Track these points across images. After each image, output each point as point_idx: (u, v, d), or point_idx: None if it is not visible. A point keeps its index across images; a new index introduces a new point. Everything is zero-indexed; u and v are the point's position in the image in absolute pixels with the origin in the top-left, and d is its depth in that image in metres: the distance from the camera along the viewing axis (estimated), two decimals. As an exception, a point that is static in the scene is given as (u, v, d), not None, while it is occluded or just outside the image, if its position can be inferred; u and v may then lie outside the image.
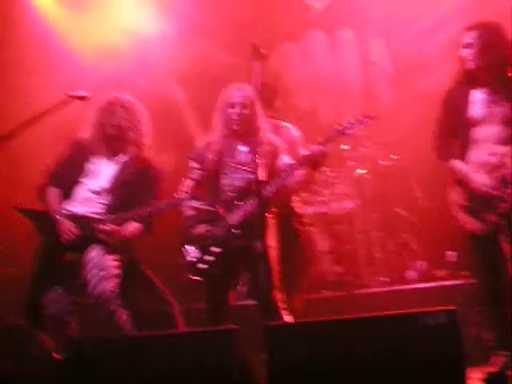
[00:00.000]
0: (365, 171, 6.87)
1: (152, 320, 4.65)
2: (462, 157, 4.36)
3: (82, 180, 4.57)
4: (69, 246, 4.42)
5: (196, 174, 4.60)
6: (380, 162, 6.93)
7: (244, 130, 4.51)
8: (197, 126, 6.87)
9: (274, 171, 4.41)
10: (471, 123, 4.30)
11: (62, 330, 4.37)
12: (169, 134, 6.51)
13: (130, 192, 4.54)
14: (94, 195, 4.51)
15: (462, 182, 4.34)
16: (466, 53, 4.34)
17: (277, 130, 5.08)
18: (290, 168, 4.34)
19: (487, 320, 4.63)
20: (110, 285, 4.32)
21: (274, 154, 4.52)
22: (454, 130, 4.40)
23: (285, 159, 4.55)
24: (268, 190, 4.25)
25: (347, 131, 4.27)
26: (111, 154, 4.64)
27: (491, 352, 4.37)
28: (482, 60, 4.29)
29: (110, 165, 4.62)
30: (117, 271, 4.40)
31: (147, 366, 3.26)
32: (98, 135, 4.62)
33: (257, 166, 4.24)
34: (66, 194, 4.58)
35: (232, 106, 4.51)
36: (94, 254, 4.39)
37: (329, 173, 6.84)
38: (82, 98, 4.54)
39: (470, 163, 4.32)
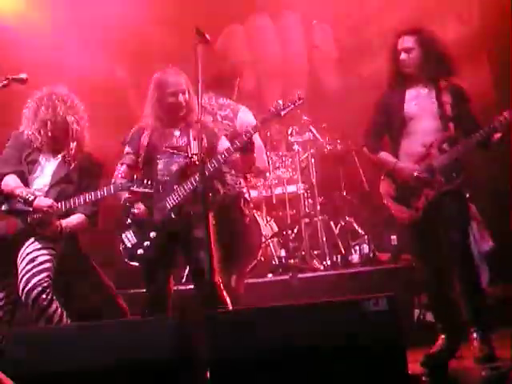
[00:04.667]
0: (308, 155, 6.90)
1: (96, 316, 4.59)
2: (395, 150, 4.54)
3: (28, 177, 4.44)
4: (4, 240, 4.30)
5: (129, 159, 4.55)
6: (325, 146, 6.97)
7: (180, 114, 4.48)
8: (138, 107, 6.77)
9: (213, 155, 4.38)
10: (406, 119, 4.49)
11: None
12: (111, 115, 6.41)
13: (72, 187, 4.45)
14: (39, 193, 4.37)
15: (390, 172, 4.53)
16: (404, 56, 4.49)
17: (234, 113, 5.11)
18: (227, 151, 4.30)
19: (429, 302, 4.76)
20: (43, 279, 4.21)
21: (212, 138, 4.49)
22: (387, 128, 4.59)
23: (224, 143, 4.52)
24: (206, 174, 4.22)
25: (281, 112, 4.27)
26: (53, 150, 4.53)
27: (435, 333, 4.45)
28: (419, 63, 4.46)
29: (53, 161, 4.51)
30: (49, 265, 4.27)
31: (84, 356, 3.21)
32: (39, 132, 4.48)
33: (194, 149, 4.31)
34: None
35: (173, 94, 4.43)
36: (29, 249, 4.27)
37: (274, 157, 6.85)
38: (22, 81, 4.38)
39: (402, 155, 4.50)
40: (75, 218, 4.45)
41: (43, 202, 4.29)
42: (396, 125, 4.53)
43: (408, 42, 4.50)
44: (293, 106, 4.27)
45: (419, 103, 4.48)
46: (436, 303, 4.52)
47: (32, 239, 4.30)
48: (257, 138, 5.15)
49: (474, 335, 4.20)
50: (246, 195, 5.24)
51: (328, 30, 7.64)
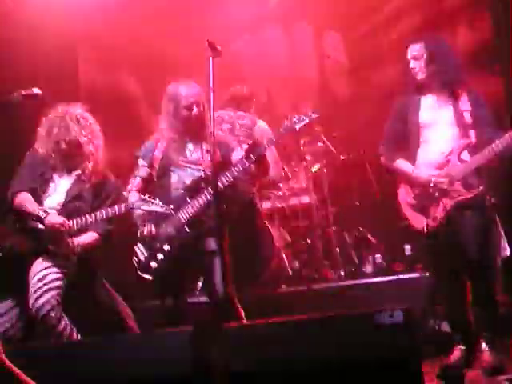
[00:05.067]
0: (320, 166, 6.89)
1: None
2: (412, 158, 4.46)
3: (41, 195, 4.46)
4: (18, 257, 4.31)
5: (143, 172, 4.56)
6: (337, 156, 6.96)
7: (194, 127, 4.48)
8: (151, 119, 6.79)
9: (227, 167, 4.38)
10: (421, 127, 4.43)
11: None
12: (124, 127, 6.43)
13: (85, 206, 4.46)
14: (52, 211, 4.38)
15: (408, 180, 4.45)
16: (414, 64, 4.46)
17: (252, 122, 5.28)
18: (241, 164, 4.30)
19: (445, 312, 4.70)
20: (52, 297, 4.21)
21: (225, 151, 4.49)
22: (403, 136, 4.52)
23: (239, 154, 4.51)
24: (220, 186, 4.22)
25: (296, 126, 4.25)
26: (67, 169, 4.55)
27: (450, 343, 4.42)
28: (430, 69, 4.41)
29: (67, 179, 4.54)
30: (59, 283, 4.28)
31: (98, 368, 3.21)
32: (53, 152, 4.50)
33: (207, 163, 4.30)
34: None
35: (188, 107, 4.44)
36: (39, 267, 4.29)
37: (286, 168, 6.84)
38: (35, 97, 4.37)
39: (419, 164, 4.42)
40: (88, 237, 4.46)
41: (55, 219, 4.30)
42: (412, 133, 4.46)
43: (415, 49, 4.47)
44: (308, 120, 4.25)
45: (435, 111, 4.43)
46: (451, 314, 4.49)
47: (43, 257, 4.32)
48: (272, 149, 5.17)
49: (484, 346, 4.18)
50: (258, 205, 5.25)
51: (339, 40, 7.64)
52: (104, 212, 4.32)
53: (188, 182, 4.43)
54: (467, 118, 4.34)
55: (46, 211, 4.32)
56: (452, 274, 4.34)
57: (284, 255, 6.51)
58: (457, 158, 4.30)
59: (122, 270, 4.99)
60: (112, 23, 6.73)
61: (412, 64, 4.47)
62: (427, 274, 4.97)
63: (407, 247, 6.33)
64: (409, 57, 4.49)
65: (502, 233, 4.38)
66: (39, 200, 4.43)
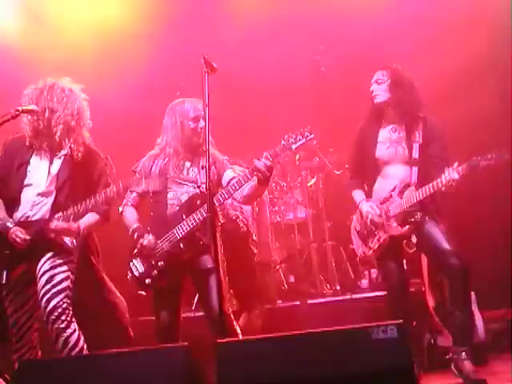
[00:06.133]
0: (316, 180, 6.90)
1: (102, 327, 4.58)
2: (369, 189, 4.82)
3: (26, 183, 4.34)
4: (22, 256, 4.25)
5: (140, 188, 4.53)
6: (333, 171, 6.97)
7: (196, 142, 4.52)
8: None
9: (219, 186, 4.42)
10: (379, 160, 4.72)
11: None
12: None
13: (79, 186, 4.38)
14: (41, 198, 4.32)
15: (358, 210, 4.83)
16: (375, 87, 4.74)
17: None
18: (238, 183, 4.31)
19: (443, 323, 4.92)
20: (62, 299, 4.19)
21: (220, 169, 4.51)
22: (363, 166, 4.83)
23: (230, 174, 4.53)
24: (216, 205, 4.24)
25: (293, 146, 4.26)
26: (53, 148, 4.42)
27: (446, 356, 4.53)
28: (390, 95, 4.68)
29: (53, 161, 4.41)
30: (68, 283, 4.26)
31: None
32: (36, 130, 4.36)
33: (203, 180, 4.38)
34: (13, 201, 4.35)
35: (194, 119, 4.50)
36: (47, 266, 4.24)
37: (282, 182, 6.86)
38: (32, 113, 4.35)
39: (374, 194, 4.77)
40: (90, 218, 4.40)
41: (59, 226, 4.24)
42: (370, 166, 4.76)
43: (379, 75, 4.75)
44: (304, 140, 4.26)
45: (390, 147, 4.68)
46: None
47: (50, 254, 4.27)
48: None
49: (463, 355, 4.29)
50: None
51: (334, 54, 7.65)
52: (103, 194, 4.20)
53: (184, 199, 4.46)
54: (414, 153, 4.60)
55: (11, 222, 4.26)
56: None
57: (280, 270, 6.52)
58: (397, 195, 4.60)
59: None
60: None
61: (373, 87, 4.74)
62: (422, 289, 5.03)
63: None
64: (372, 81, 4.76)
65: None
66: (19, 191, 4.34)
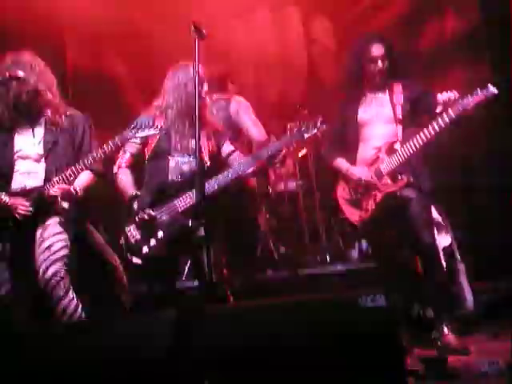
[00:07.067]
0: (307, 151, 6.89)
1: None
2: (352, 155, 4.75)
3: (15, 156, 4.33)
4: (25, 224, 4.23)
5: (134, 148, 4.47)
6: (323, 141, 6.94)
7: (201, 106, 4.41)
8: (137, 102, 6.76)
9: (218, 157, 4.38)
10: (360, 124, 4.69)
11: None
12: (111, 113, 6.39)
13: (67, 149, 4.37)
14: (33, 166, 4.31)
15: (344, 177, 4.78)
16: (379, 65, 4.60)
17: (227, 105, 5.33)
18: (248, 164, 4.26)
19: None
20: (60, 268, 4.18)
21: (219, 139, 4.47)
22: (343, 135, 4.79)
23: (227, 147, 4.51)
24: (222, 180, 4.22)
25: (305, 135, 4.23)
26: (32, 120, 4.38)
27: (434, 328, 4.51)
28: (386, 71, 4.62)
29: (36, 130, 4.38)
30: (65, 252, 4.23)
31: (85, 353, 3.20)
32: (11, 105, 4.30)
33: (202, 150, 4.21)
34: (5, 176, 4.34)
35: (200, 82, 4.38)
36: (46, 234, 4.22)
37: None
38: (18, 79, 4.30)
39: (358, 160, 4.71)
40: (85, 178, 4.37)
41: (59, 188, 4.21)
42: (351, 132, 4.71)
43: (380, 49, 4.61)
44: (316, 130, 4.24)
45: (372, 109, 4.65)
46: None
47: (50, 221, 4.25)
48: (250, 112, 5.28)
49: (445, 329, 4.37)
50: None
51: (327, 24, 7.61)
52: (100, 151, 4.17)
53: (185, 168, 4.38)
54: (398, 113, 4.57)
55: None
56: (390, 259, 4.69)
57: (270, 240, 6.53)
58: (385, 154, 4.54)
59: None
60: (99, 8, 6.70)
61: (379, 64, 4.58)
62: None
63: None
64: (373, 55, 4.60)
65: (440, 219, 4.51)
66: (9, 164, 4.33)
